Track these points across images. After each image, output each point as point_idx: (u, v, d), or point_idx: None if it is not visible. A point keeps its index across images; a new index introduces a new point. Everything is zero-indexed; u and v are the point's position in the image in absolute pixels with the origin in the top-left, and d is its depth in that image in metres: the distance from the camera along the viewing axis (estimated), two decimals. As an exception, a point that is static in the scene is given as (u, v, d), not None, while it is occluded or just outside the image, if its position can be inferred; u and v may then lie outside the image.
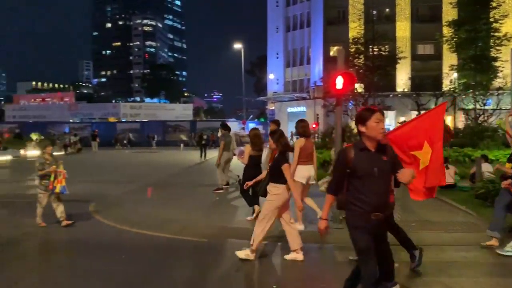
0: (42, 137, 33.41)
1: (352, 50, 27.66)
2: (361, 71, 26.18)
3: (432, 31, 32.02)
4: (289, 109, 45.13)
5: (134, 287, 4.77)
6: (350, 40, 30.59)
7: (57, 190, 7.28)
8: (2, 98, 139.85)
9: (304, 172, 6.68)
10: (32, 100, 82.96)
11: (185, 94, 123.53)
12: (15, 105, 75.89)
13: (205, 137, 26.03)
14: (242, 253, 5.42)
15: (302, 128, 6.82)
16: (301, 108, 43.42)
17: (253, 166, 7.45)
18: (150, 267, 5.37)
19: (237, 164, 9.44)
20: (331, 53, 39.95)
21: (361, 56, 27.37)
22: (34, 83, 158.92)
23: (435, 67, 38.20)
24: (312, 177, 6.86)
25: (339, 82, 7.06)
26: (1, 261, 5.71)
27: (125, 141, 41.67)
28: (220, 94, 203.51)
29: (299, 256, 5.40)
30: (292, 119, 40.07)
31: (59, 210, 7.45)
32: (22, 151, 27.99)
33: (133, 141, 42.19)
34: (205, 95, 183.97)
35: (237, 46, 44.68)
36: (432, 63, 38.87)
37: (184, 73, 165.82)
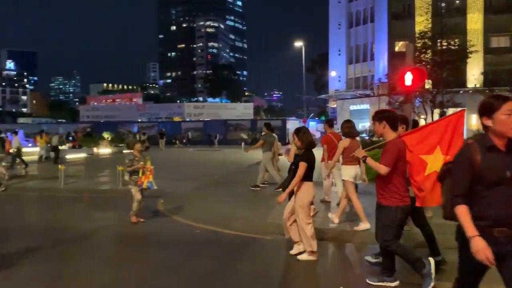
0: (112, 136, 35.37)
1: (419, 45, 26.51)
2: (428, 66, 25.02)
3: (508, 23, 29.84)
4: (352, 107, 44.16)
5: (201, 282, 4.87)
6: (417, 35, 29.38)
7: (144, 186, 7.49)
8: (77, 100, 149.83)
9: (351, 172, 6.70)
10: (104, 101, 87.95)
11: (246, 94, 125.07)
12: (88, 106, 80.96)
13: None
14: (303, 256, 5.42)
15: (347, 128, 6.91)
16: (364, 106, 42.30)
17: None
18: (216, 263, 5.47)
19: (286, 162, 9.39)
20: (397, 49, 38.57)
21: (429, 51, 26.19)
22: (105, 85, 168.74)
23: (511, 60, 35.64)
24: (359, 176, 6.84)
25: (408, 78, 6.77)
26: (77, 252, 6.10)
27: (184, 140, 43.25)
28: (280, 92, 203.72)
29: (301, 247, 5.49)
30: (355, 117, 39.19)
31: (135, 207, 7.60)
32: (95, 149, 29.79)
33: (192, 139, 43.52)
34: (265, 94, 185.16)
35: (298, 44, 44.43)
36: (508, 56, 36.29)
37: (244, 72, 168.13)
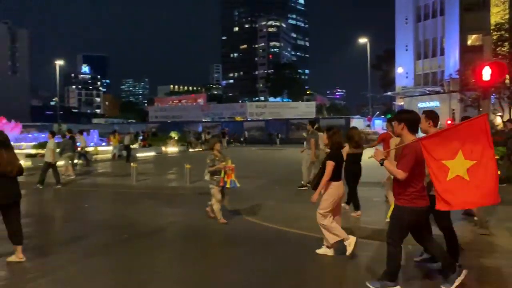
0: (179, 135, 36.65)
1: (495, 37, 24.80)
2: (505, 60, 23.32)
3: None
4: (420, 104, 42.24)
5: (268, 279, 4.89)
6: (492, 27, 27.49)
7: (228, 185, 7.49)
8: (146, 101, 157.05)
9: None
10: (170, 102, 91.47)
11: (308, 92, 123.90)
12: (155, 106, 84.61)
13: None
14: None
15: None
16: (434, 103, 40.33)
17: (352, 163, 7.65)
18: (283, 261, 5.48)
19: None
20: (469, 42, 36.37)
21: (505, 43, 24.43)
22: (171, 86, 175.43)
23: None
24: None
25: (486, 73, 6.34)
26: (148, 247, 6.38)
27: (241, 139, 43.86)
28: (343, 90, 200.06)
29: (329, 251, 5.58)
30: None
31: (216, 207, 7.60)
32: (163, 148, 31.06)
33: (248, 139, 43.95)
34: (328, 92, 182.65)
35: (362, 40, 43.33)
36: None
37: (306, 71, 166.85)
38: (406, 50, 47.17)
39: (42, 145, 19.91)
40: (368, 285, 4.35)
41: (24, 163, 12.77)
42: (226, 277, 5.04)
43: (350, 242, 5.44)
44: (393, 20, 48.96)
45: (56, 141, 13.76)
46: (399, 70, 48.11)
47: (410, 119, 4.25)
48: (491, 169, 4.04)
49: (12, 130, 23.97)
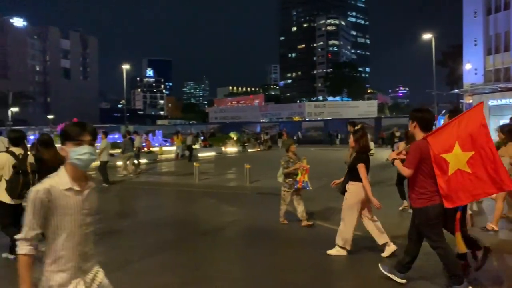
0: (238, 136, 37.20)
1: None
2: None
3: None
4: (491, 102, 39.70)
5: (328, 280, 4.83)
6: None
7: (299, 185, 7.36)
8: (206, 103, 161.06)
9: None
10: (229, 103, 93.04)
11: (368, 91, 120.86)
12: (215, 108, 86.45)
13: (398, 134, 24.86)
14: (333, 251, 5.68)
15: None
16: (507, 101, 37.75)
17: None
18: (344, 262, 5.39)
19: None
20: (547, 34, 33.59)
21: None
22: (230, 87, 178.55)
23: None
24: None
25: None
26: (209, 245, 6.54)
27: (295, 138, 43.59)
28: (406, 89, 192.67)
29: (391, 247, 5.53)
30: (495, 113, 35.31)
31: (300, 209, 7.44)
32: (223, 148, 31.69)
33: (302, 139, 43.53)
34: (390, 90, 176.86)
35: (426, 36, 41.41)
36: None
37: (367, 69, 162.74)
38: (475, 45, 44.48)
39: (112, 146, 21.04)
40: (380, 267, 4.60)
41: (94, 162, 13.65)
42: (287, 277, 5.04)
43: (339, 250, 5.65)
44: (460, 14, 46.37)
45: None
46: (467, 66, 45.46)
47: (422, 118, 4.33)
48: (490, 157, 3.95)
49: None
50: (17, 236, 2.20)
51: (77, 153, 2.23)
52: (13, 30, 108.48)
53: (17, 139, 5.74)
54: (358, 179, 5.54)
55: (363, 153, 5.66)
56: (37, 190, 2.17)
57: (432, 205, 4.12)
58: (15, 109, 62.25)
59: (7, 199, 5.40)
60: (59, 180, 2.24)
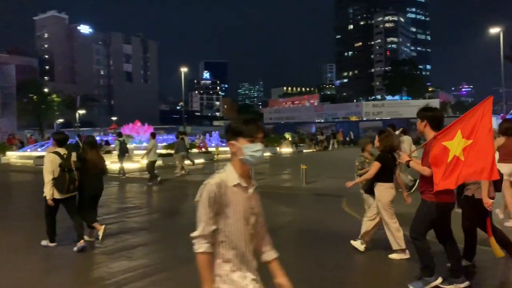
0: (294, 136, 37.03)
1: None
2: None
3: None
4: None
5: (381, 280, 4.65)
6: None
7: None
8: (260, 103, 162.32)
9: (506, 169, 6.59)
10: (284, 103, 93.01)
11: (429, 89, 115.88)
12: (269, 108, 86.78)
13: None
14: (396, 256, 5.49)
15: (504, 128, 6.93)
16: None
17: None
18: (399, 263, 5.18)
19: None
20: None
21: None
22: (284, 88, 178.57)
23: None
24: None
25: None
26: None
27: (347, 138, 42.87)
28: (470, 86, 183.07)
29: (362, 247, 5.74)
30: None
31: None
32: (278, 148, 31.72)
33: (354, 139, 42.56)
34: (452, 88, 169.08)
35: (494, 30, 39.02)
36: None
37: (428, 66, 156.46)
38: (550, 37, 41.27)
39: (171, 146, 21.75)
40: (410, 287, 4.33)
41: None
42: (348, 279, 4.92)
43: (401, 255, 5.47)
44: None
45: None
46: (541, 60, 42.28)
47: (432, 117, 4.32)
48: (486, 149, 3.95)
49: (145, 132, 26.57)
50: (193, 234, 2.13)
51: (251, 149, 2.15)
52: (80, 37, 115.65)
53: (62, 141, 6.36)
54: (383, 179, 5.58)
55: (387, 152, 5.68)
56: (210, 184, 2.10)
57: (438, 202, 4.18)
58: (82, 112, 66.12)
59: (57, 195, 6.04)
60: (228, 176, 2.16)
